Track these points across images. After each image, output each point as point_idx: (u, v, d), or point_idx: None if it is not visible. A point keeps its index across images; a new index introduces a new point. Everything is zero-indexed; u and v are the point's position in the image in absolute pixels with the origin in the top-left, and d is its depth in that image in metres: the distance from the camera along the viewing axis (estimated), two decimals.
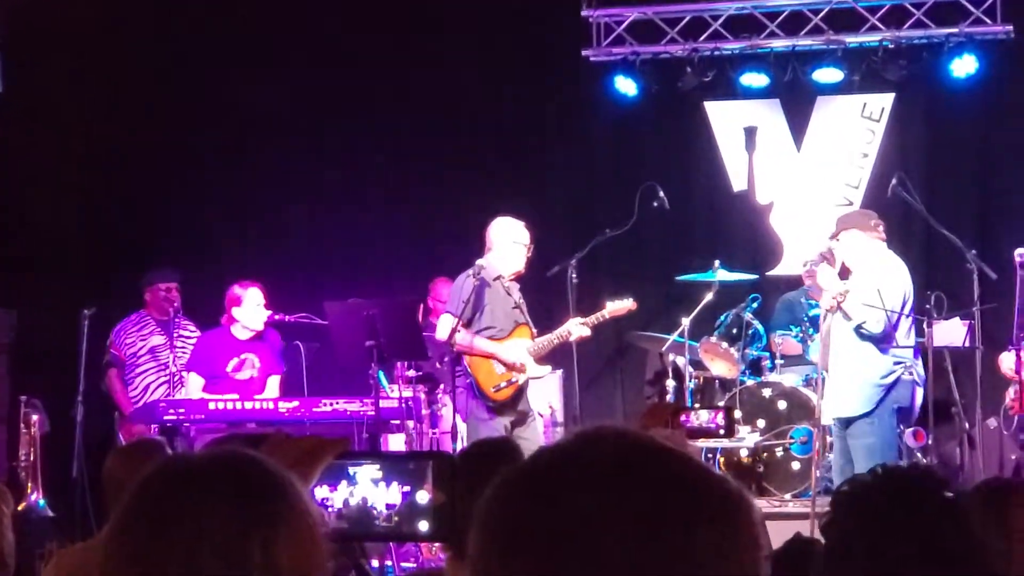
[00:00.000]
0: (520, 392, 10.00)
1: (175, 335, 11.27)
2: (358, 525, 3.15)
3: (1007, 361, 10.35)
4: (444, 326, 9.94)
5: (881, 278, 9.68)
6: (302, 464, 2.62)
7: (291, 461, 2.57)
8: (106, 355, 11.43)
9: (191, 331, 11.40)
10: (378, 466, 3.13)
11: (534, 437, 9.75)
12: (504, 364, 9.92)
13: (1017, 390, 9.41)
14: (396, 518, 3.11)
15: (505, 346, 9.97)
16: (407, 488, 3.11)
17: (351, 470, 3.11)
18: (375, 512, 3.12)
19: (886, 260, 9.80)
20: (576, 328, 10.12)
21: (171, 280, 11.41)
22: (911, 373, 9.70)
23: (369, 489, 3.11)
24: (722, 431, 5.13)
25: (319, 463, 2.71)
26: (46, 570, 5.01)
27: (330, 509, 3.10)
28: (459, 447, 10.22)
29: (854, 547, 2.60)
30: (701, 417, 5.05)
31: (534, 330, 10.15)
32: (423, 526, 3.15)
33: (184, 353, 11.18)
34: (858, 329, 9.65)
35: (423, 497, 3.12)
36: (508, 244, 10.14)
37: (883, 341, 9.64)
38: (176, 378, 11.14)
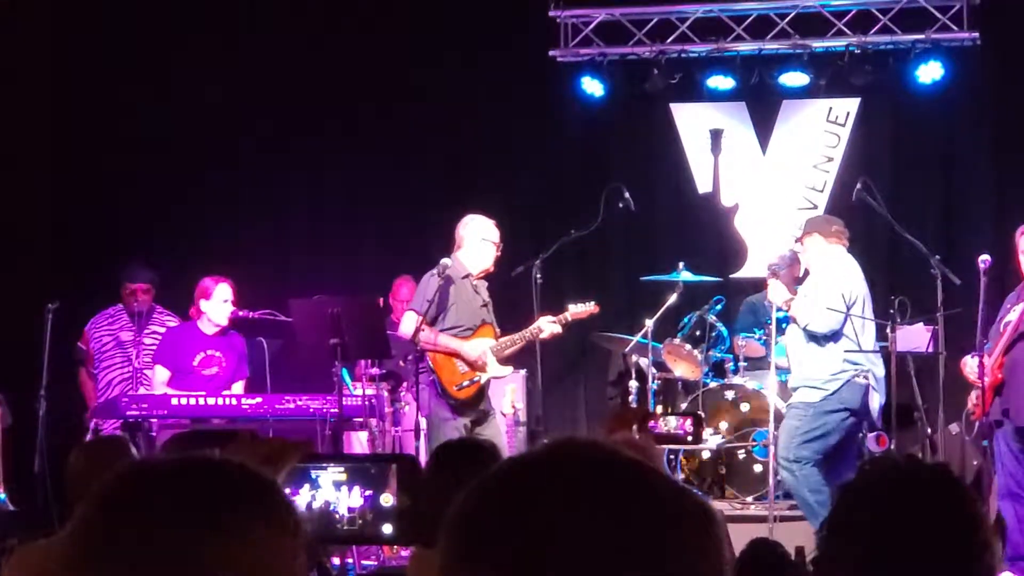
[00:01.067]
0: (482, 391, 10.01)
1: (147, 331, 11.22)
2: (321, 528, 3.15)
3: (970, 365, 10.40)
4: (408, 323, 9.93)
5: (828, 280, 9.77)
6: (267, 466, 2.61)
7: (257, 462, 2.56)
8: (76, 351, 11.40)
9: (169, 326, 11.33)
10: (341, 469, 3.12)
11: (494, 435, 9.74)
12: (466, 362, 9.92)
13: (979, 395, 9.44)
14: (360, 521, 3.11)
15: (469, 344, 9.97)
16: (369, 492, 3.10)
17: (314, 473, 3.11)
18: (337, 516, 3.12)
19: (838, 264, 9.87)
20: (547, 325, 10.10)
21: (139, 281, 11.30)
22: (864, 377, 9.75)
23: (331, 493, 3.11)
24: (690, 437, 5.15)
25: (284, 465, 2.70)
26: (7, 565, 4.98)
27: None
28: (422, 445, 10.24)
29: (861, 541, 2.60)
30: (669, 423, 5.07)
31: (498, 330, 10.14)
32: (387, 529, 3.15)
33: (154, 349, 11.14)
34: (806, 330, 9.74)
35: (387, 500, 3.12)
36: (477, 241, 10.14)
37: (828, 341, 9.71)
38: (139, 374, 11.09)
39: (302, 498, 3.12)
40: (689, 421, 5.12)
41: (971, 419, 9.93)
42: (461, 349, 9.93)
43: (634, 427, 4.96)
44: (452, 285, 9.96)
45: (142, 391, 10.81)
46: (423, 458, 10.02)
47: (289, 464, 2.72)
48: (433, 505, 4.70)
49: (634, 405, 11.40)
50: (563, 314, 10.26)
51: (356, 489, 3.12)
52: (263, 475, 1.98)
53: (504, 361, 10.14)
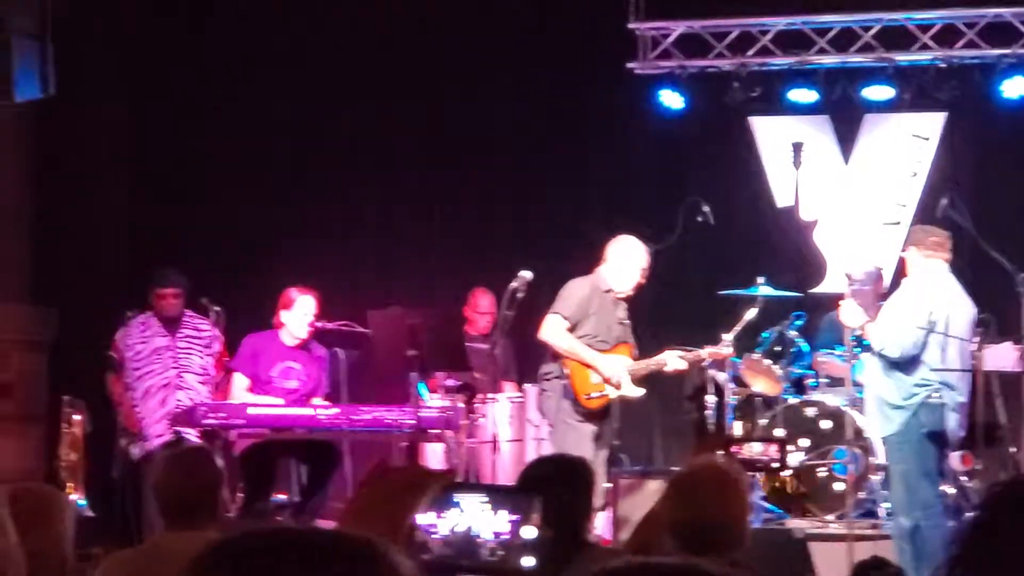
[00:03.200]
0: (608, 407, 10.00)
1: (179, 335, 11.13)
2: (463, 554, 3.10)
3: None
4: (552, 327, 9.91)
5: (909, 300, 9.63)
6: (407, 494, 2.57)
7: (396, 491, 2.52)
8: (108, 359, 11.25)
9: (201, 330, 11.22)
10: (486, 496, 3.07)
11: (601, 459, 9.79)
12: (602, 376, 9.91)
13: None
14: (501, 551, 3.06)
15: (606, 359, 9.96)
16: (515, 517, 3.05)
17: (458, 498, 3.06)
18: (480, 541, 3.06)
19: (926, 282, 9.71)
20: (673, 360, 10.12)
21: (173, 285, 11.19)
22: (940, 397, 9.61)
23: (476, 517, 3.06)
24: (775, 463, 5.07)
25: (425, 493, 2.65)
26: (95, 575, 4.97)
27: (435, 535, 3.05)
28: (506, 458, 10.21)
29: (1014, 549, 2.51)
30: (754, 449, 5.00)
31: (636, 351, 10.14)
32: (527, 561, 3.09)
33: (189, 353, 11.08)
34: (880, 354, 9.62)
35: (529, 532, 3.06)
36: (624, 263, 10.18)
37: (907, 365, 9.57)
38: (178, 380, 11.00)
39: (446, 522, 3.06)
40: (775, 447, 5.05)
41: None
42: (597, 363, 9.92)
43: (718, 452, 4.90)
44: (595, 296, 9.96)
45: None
46: (500, 472, 10.00)
47: (430, 491, 2.67)
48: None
49: (711, 422, 11.32)
50: (697, 352, 10.33)
51: (503, 513, 3.06)
52: (359, 543, 1.88)
53: (638, 383, 10.13)
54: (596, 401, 9.96)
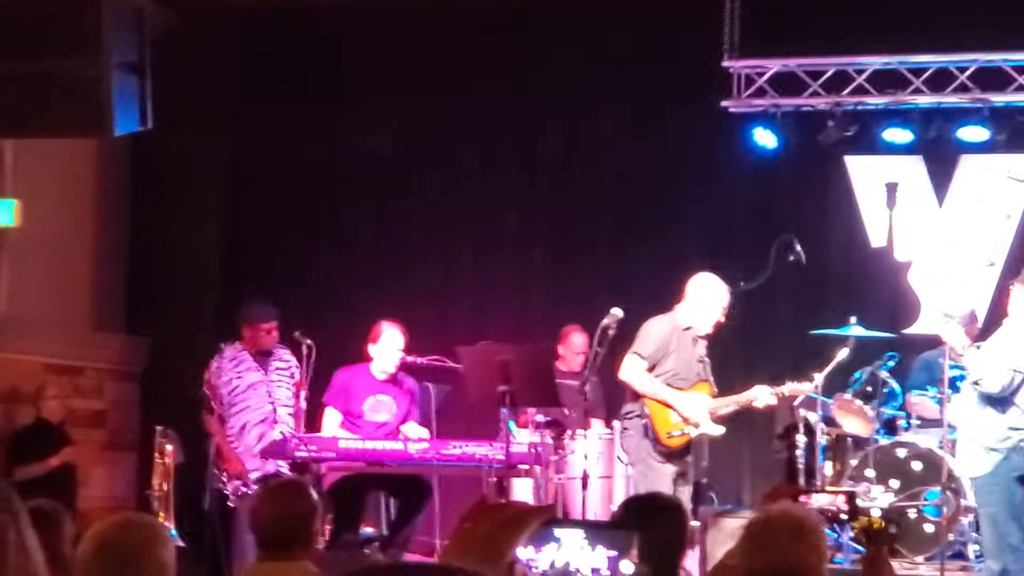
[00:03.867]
0: (689, 445, 10.02)
1: (271, 368, 11.22)
2: None
3: None
4: (632, 368, 9.96)
5: (1009, 338, 9.55)
6: (508, 529, 2.59)
7: (497, 526, 2.54)
8: (201, 395, 11.23)
9: (286, 361, 11.30)
10: (584, 532, 3.09)
11: (685, 496, 9.76)
12: (681, 416, 9.91)
13: None
14: None
15: (685, 397, 9.97)
16: (613, 553, 3.07)
17: (558, 533, 3.08)
18: (579, 575, 3.08)
19: None
20: (763, 396, 10.11)
21: (273, 319, 11.28)
22: None
23: (574, 553, 3.08)
24: (844, 515, 5.04)
25: (525, 528, 2.68)
26: None
27: (535, 569, 3.07)
28: (596, 494, 10.19)
29: None
30: (821, 500, 4.98)
31: (715, 389, 10.14)
32: None
33: (280, 386, 11.16)
34: (976, 386, 9.54)
35: (627, 567, 3.08)
36: (705, 302, 10.22)
37: (1002, 404, 9.48)
38: (274, 415, 11.08)
39: (545, 556, 3.09)
40: (843, 498, 5.02)
41: None
42: (676, 402, 9.94)
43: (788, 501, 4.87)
44: (674, 335, 10.01)
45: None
46: (589, 509, 10.00)
47: (530, 527, 2.70)
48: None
49: (801, 461, 11.27)
50: (781, 388, 10.30)
51: (600, 549, 3.08)
52: None
53: (718, 421, 10.12)
54: (677, 440, 9.96)
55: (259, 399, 11.13)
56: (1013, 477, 9.46)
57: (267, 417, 11.09)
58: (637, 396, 10.00)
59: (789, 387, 10.35)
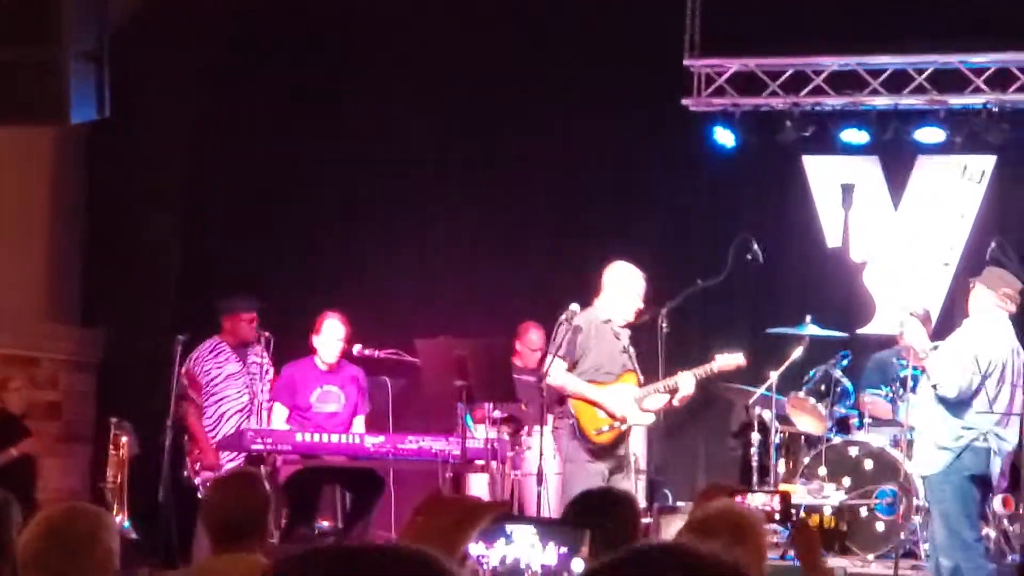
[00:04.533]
0: (621, 437, 9.97)
1: (250, 362, 11.28)
2: None
3: None
4: (557, 371, 9.89)
5: (967, 343, 9.62)
6: (460, 523, 2.62)
7: (449, 520, 2.57)
8: (180, 387, 11.32)
9: (263, 357, 11.38)
10: (535, 528, 3.11)
11: (628, 486, 9.69)
12: (607, 413, 9.88)
13: None
14: None
15: (610, 392, 9.93)
16: (564, 550, 3.09)
17: (509, 529, 3.10)
18: (529, 572, 3.10)
19: (987, 328, 9.70)
20: (686, 383, 10.02)
21: (254, 310, 11.39)
22: (986, 440, 9.60)
23: (525, 549, 3.10)
24: (777, 516, 5.07)
25: (477, 523, 2.70)
26: None
27: (485, 566, 3.09)
28: (550, 491, 10.20)
29: None
30: (756, 500, 5.00)
31: (641, 377, 10.09)
32: None
33: (255, 379, 11.19)
34: (934, 388, 9.61)
35: (578, 565, 3.10)
36: (621, 291, 10.11)
37: (957, 405, 9.56)
38: (257, 406, 11.14)
39: (496, 552, 3.11)
40: (777, 498, 5.05)
41: None
42: (602, 400, 9.88)
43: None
44: (592, 329, 9.92)
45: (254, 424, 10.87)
46: (545, 504, 10.01)
47: (482, 522, 2.73)
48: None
49: (756, 459, 11.34)
50: (708, 365, 10.18)
51: (551, 546, 3.10)
52: (418, 556, 1.95)
53: (647, 409, 10.09)
54: (607, 435, 9.89)
55: (238, 390, 11.20)
56: (966, 476, 9.54)
57: (245, 408, 11.14)
58: (564, 397, 9.96)
59: (718, 362, 10.22)
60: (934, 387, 9.60)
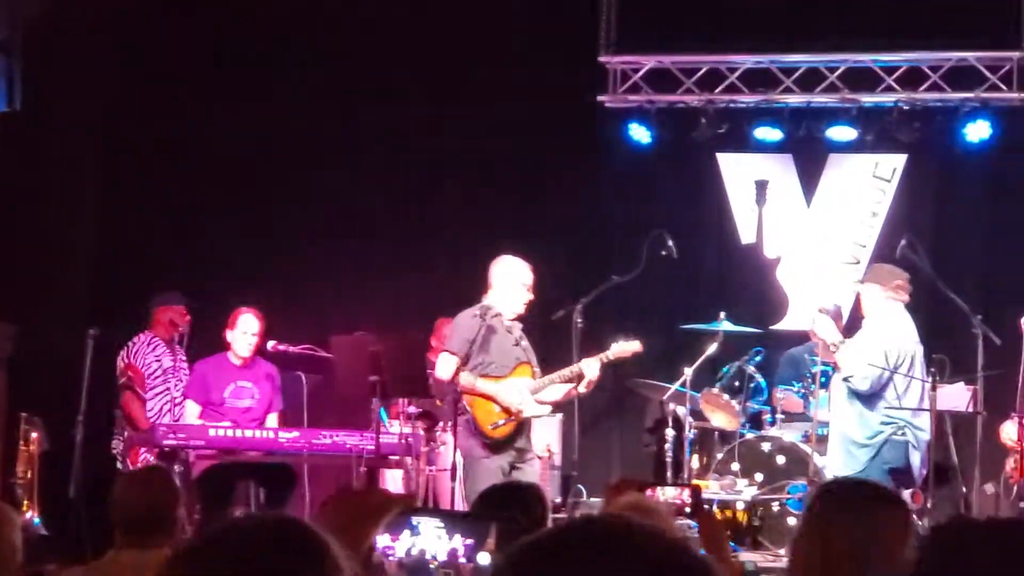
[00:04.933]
0: (519, 429, 9.87)
1: (178, 355, 11.24)
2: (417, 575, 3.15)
3: (1008, 430, 10.38)
4: (445, 365, 9.86)
5: (874, 337, 9.74)
6: (367, 516, 2.64)
7: (356, 512, 2.59)
8: (122, 376, 11.32)
9: (183, 357, 11.36)
10: (441, 521, 3.13)
11: (533, 476, 9.67)
12: (501, 407, 9.84)
13: (1018, 459, 9.41)
14: (453, 574, 3.11)
15: (504, 386, 9.85)
16: (470, 542, 3.10)
17: (415, 520, 3.11)
18: (434, 564, 3.11)
19: (889, 321, 9.83)
20: (590, 369, 9.96)
21: (182, 303, 11.36)
22: (904, 434, 9.70)
23: (431, 541, 3.11)
24: (688, 509, 5.11)
25: (383, 516, 2.73)
26: None
27: (391, 558, 3.10)
28: (458, 486, 10.20)
29: None
30: (667, 493, 5.04)
31: (536, 369, 10.05)
32: None
33: (185, 376, 11.16)
34: (846, 382, 9.70)
35: (484, 558, 3.11)
36: (508, 284, 10.01)
37: (870, 399, 9.67)
38: (177, 402, 11.11)
39: (401, 544, 3.12)
40: (687, 492, 5.09)
41: (1009, 483, 9.90)
42: (496, 394, 9.82)
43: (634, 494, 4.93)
44: (482, 323, 9.86)
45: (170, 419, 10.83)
46: (459, 500, 10.02)
47: (388, 514, 2.75)
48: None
49: (670, 455, 11.41)
50: (605, 352, 10.11)
51: (457, 538, 3.11)
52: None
53: (544, 401, 10.05)
54: (502, 429, 9.78)
55: (172, 385, 11.14)
56: (885, 470, 9.64)
57: (179, 402, 11.09)
58: (459, 394, 9.92)
59: (615, 349, 10.12)
60: (846, 380, 9.71)
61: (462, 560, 3.13)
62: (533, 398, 9.91)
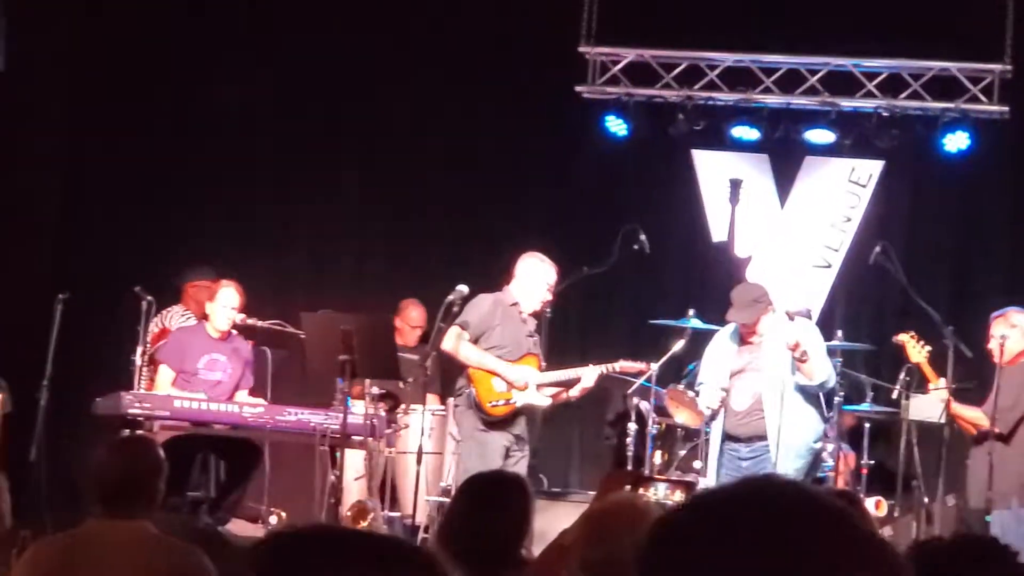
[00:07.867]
0: (516, 414, 10.03)
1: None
2: None
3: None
4: (452, 337, 10.01)
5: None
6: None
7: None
8: (156, 343, 11.17)
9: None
10: None
11: (521, 467, 9.81)
12: (507, 381, 9.93)
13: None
14: None
15: (514, 367, 10.05)
16: None
17: None
18: None
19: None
20: (591, 374, 10.17)
21: (213, 277, 11.32)
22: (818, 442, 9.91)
23: None
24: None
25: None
26: (22, 558, 4.93)
27: None
28: (421, 470, 10.18)
29: None
30: (659, 490, 5.01)
31: (544, 363, 10.18)
32: None
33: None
34: (821, 387, 9.75)
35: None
36: (533, 281, 10.27)
37: (823, 405, 9.77)
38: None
39: None
40: (679, 491, 5.07)
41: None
42: (504, 371, 9.98)
43: (627, 488, 4.90)
44: (500, 309, 10.07)
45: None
46: (420, 484, 10.00)
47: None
48: (465, 535, 4.65)
49: (631, 450, 11.37)
50: (612, 364, 10.37)
51: None
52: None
53: (546, 394, 10.19)
54: (501, 409, 10.00)
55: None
56: (819, 477, 9.71)
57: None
58: (464, 369, 10.03)
59: (620, 365, 10.43)
60: (821, 385, 9.72)
61: None
62: (535, 387, 10.07)
